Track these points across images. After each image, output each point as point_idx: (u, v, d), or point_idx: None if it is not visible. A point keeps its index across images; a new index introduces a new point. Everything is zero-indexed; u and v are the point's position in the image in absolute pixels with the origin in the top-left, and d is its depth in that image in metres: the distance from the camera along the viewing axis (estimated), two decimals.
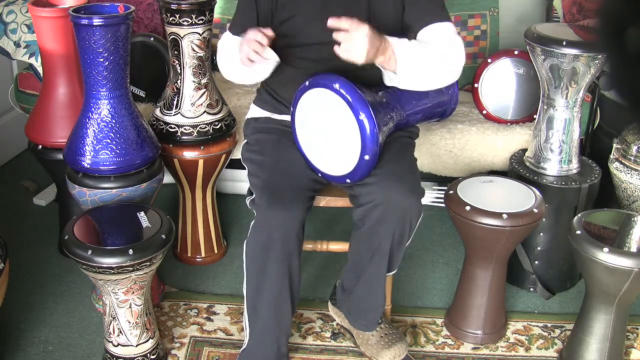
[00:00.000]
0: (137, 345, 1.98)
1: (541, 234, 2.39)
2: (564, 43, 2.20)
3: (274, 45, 2.03)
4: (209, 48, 2.34)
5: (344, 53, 1.72)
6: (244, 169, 2.05)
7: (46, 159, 2.43)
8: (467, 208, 2.05)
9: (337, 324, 2.21)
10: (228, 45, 2.02)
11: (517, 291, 2.47)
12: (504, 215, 2.01)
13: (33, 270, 2.49)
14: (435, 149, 2.60)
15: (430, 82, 1.93)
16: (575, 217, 2.05)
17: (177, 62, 2.32)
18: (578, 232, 1.96)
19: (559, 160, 2.35)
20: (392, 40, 1.79)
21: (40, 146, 2.42)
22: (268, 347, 1.95)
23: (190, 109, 2.34)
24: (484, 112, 2.67)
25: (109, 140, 2.07)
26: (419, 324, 2.29)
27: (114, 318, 1.95)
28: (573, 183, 2.32)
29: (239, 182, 2.91)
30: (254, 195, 1.91)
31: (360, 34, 1.70)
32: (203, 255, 2.58)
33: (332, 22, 1.73)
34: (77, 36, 2.01)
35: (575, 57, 2.21)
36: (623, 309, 1.99)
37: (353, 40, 1.71)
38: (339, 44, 1.73)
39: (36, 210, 2.91)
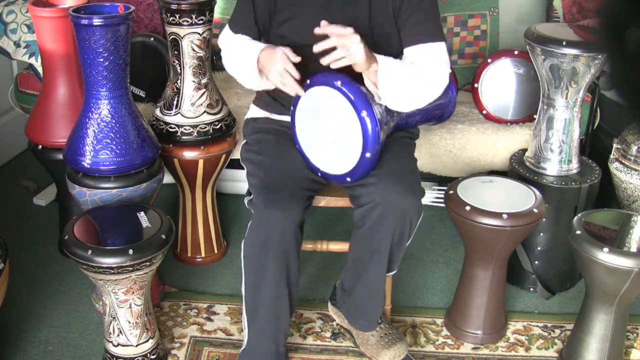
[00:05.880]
0: (137, 345, 1.98)
1: (541, 234, 2.39)
2: (564, 43, 2.20)
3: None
4: (209, 48, 2.34)
5: (342, 54, 1.74)
6: (244, 169, 2.05)
7: (46, 159, 2.43)
8: (467, 208, 2.05)
9: (337, 324, 2.21)
10: (237, 48, 2.01)
11: (517, 291, 2.47)
12: (504, 215, 2.01)
13: (33, 270, 2.49)
14: (435, 149, 2.60)
15: (409, 101, 1.91)
16: (575, 217, 2.05)
17: (177, 62, 2.32)
18: (578, 232, 1.96)
19: (559, 160, 2.35)
20: (378, 56, 1.81)
21: (40, 146, 2.42)
22: (267, 347, 1.95)
23: (190, 109, 2.34)
24: (484, 112, 2.67)
25: (109, 140, 2.07)
26: (419, 324, 2.29)
27: (114, 318, 1.95)
28: (573, 183, 2.32)
29: (239, 182, 2.91)
30: (252, 195, 1.92)
31: (351, 30, 1.74)
32: (203, 255, 2.58)
33: (321, 29, 1.76)
34: (77, 36, 2.01)
35: (575, 57, 2.20)
36: (623, 309, 1.99)
37: (347, 39, 1.73)
38: (326, 52, 1.75)
39: (36, 210, 2.91)
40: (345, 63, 1.76)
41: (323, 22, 1.76)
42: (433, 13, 1.97)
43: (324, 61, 1.76)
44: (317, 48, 1.76)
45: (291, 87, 1.83)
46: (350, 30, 1.74)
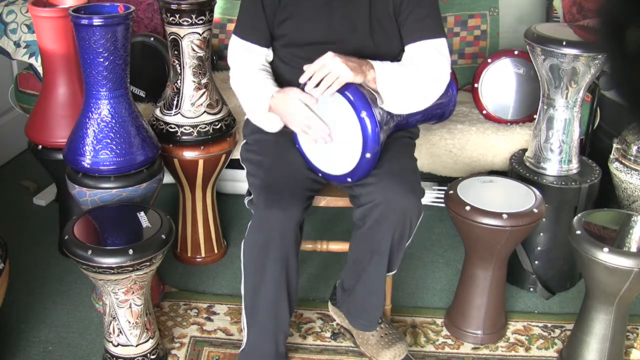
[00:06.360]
0: (137, 345, 1.98)
1: (541, 234, 2.39)
2: (564, 43, 2.20)
3: (274, 46, 2.03)
4: (209, 48, 2.34)
5: (331, 80, 1.76)
6: (244, 169, 2.05)
7: (46, 159, 2.43)
8: (467, 208, 2.05)
9: (337, 324, 2.21)
10: (246, 82, 1.98)
11: (517, 291, 2.47)
12: (504, 215, 2.01)
13: (33, 270, 2.49)
14: (435, 149, 2.60)
15: (412, 103, 1.91)
16: (575, 217, 2.05)
17: (177, 62, 2.32)
18: (578, 232, 1.96)
19: (559, 160, 2.35)
20: (374, 62, 1.82)
21: (40, 146, 2.42)
22: (266, 347, 1.95)
23: (190, 109, 2.34)
24: (484, 112, 2.67)
25: (109, 140, 2.07)
26: (419, 324, 2.29)
27: (114, 318, 1.95)
28: (573, 183, 2.32)
29: (239, 182, 2.91)
30: (252, 196, 1.92)
31: (327, 57, 1.76)
32: (203, 255, 2.58)
33: (303, 79, 1.80)
34: (77, 36, 2.01)
35: (575, 57, 2.20)
36: (623, 309, 1.99)
37: (328, 67, 1.76)
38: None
39: (36, 210, 2.91)
40: (337, 86, 1.76)
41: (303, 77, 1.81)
42: (433, 9, 1.97)
43: (316, 94, 1.79)
44: (303, 79, 1.80)
45: (318, 138, 1.84)
46: (324, 58, 1.77)
